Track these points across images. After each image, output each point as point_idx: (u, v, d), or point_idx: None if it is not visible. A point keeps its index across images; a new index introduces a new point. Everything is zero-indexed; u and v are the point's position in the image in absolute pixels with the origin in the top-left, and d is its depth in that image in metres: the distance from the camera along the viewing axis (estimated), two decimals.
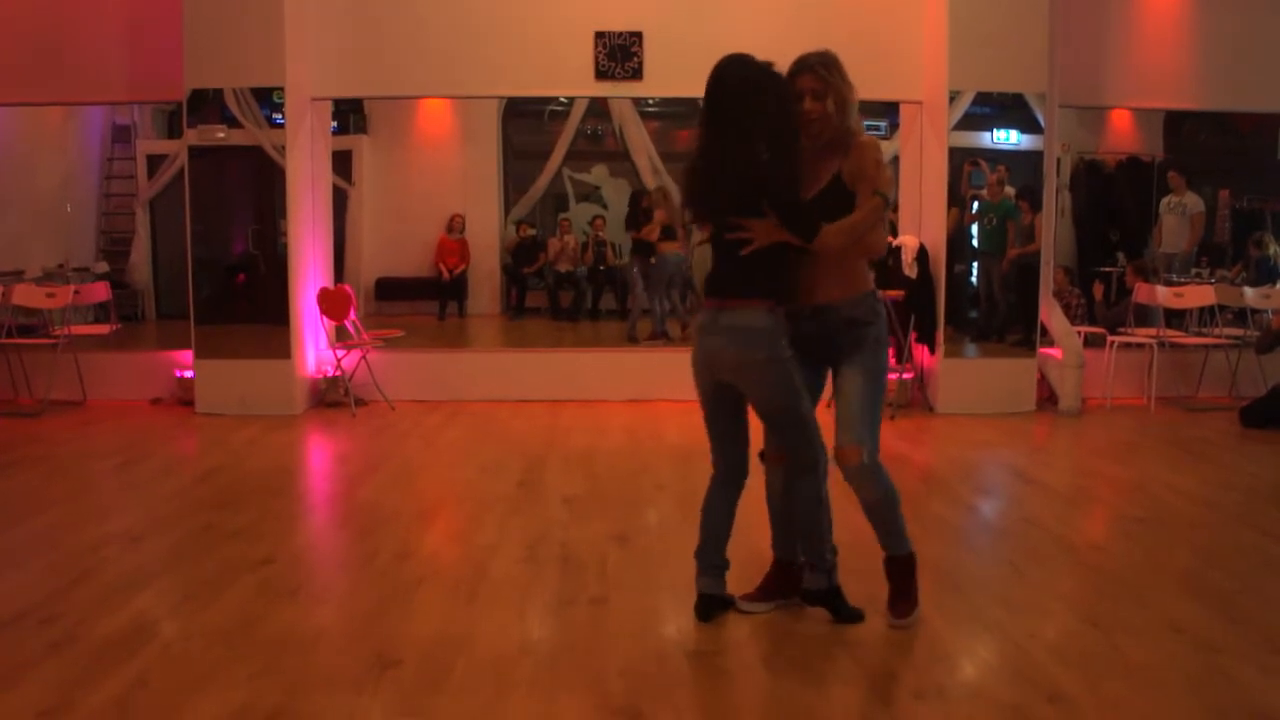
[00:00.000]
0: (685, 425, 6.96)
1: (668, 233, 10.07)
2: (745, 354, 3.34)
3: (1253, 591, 3.92)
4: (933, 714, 2.92)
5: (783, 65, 3.37)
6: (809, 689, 3.08)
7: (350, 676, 3.13)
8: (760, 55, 3.35)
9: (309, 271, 7.81)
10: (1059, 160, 9.39)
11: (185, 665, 3.21)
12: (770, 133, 3.29)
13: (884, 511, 3.47)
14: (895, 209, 9.13)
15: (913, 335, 7.68)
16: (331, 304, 7.76)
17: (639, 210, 10.64)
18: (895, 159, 8.43)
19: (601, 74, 7.76)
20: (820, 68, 3.35)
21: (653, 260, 10.07)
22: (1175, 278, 9.34)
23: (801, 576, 3.61)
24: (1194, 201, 9.74)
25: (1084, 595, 3.92)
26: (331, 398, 7.77)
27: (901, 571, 3.53)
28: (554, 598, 3.81)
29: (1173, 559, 4.36)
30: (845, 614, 3.54)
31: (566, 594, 3.84)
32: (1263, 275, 9.62)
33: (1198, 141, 11.19)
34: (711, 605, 3.59)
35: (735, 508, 3.63)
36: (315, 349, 7.86)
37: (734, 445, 3.58)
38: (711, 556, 3.61)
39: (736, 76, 3.32)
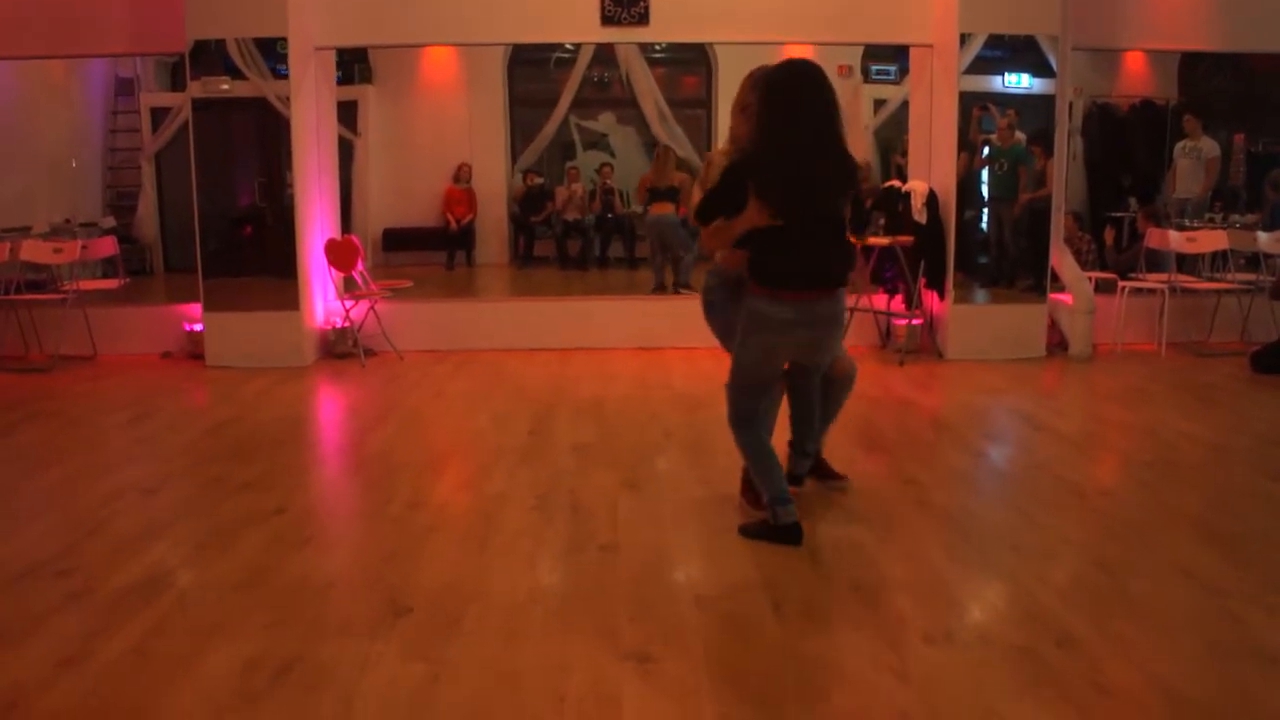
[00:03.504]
0: (692, 373, 6.99)
1: (658, 195, 9.55)
2: (837, 333, 3.83)
3: (1261, 536, 3.93)
4: (942, 658, 2.94)
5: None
6: (818, 634, 3.10)
7: (363, 624, 3.16)
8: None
9: (316, 223, 7.78)
10: (1071, 104, 9.27)
11: (200, 614, 3.25)
12: None
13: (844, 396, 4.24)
14: (905, 154, 9.05)
15: (922, 281, 7.64)
16: (339, 255, 7.75)
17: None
18: (905, 103, 8.32)
19: (608, 19, 7.65)
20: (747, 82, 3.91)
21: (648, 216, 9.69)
22: (1189, 222, 9.25)
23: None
24: (1209, 145, 9.61)
25: (1093, 540, 3.93)
26: (340, 349, 7.78)
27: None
28: (564, 545, 3.83)
29: (1182, 504, 4.36)
30: (830, 474, 4.28)
31: (576, 541, 3.87)
32: (1278, 219, 9.51)
33: (1212, 84, 10.99)
34: (800, 530, 3.79)
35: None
36: (323, 300, 7.86)
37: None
38: (784, 485, 3.84)
39: (823, 78, 3.56)
